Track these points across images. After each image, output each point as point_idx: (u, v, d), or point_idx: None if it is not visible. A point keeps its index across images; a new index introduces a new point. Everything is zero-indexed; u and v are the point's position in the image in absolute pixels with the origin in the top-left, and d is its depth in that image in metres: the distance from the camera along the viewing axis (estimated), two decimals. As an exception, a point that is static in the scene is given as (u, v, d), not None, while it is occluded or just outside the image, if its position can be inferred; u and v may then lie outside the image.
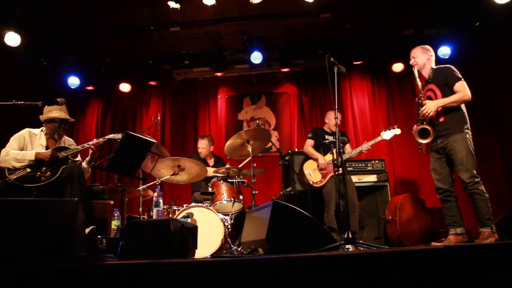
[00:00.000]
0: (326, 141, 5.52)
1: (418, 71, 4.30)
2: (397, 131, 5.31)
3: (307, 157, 5.67)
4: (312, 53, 7.28)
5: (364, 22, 6.52)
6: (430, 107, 3.99)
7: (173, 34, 6.56)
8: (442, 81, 4.06)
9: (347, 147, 5.70)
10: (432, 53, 4.31)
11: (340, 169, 3.71)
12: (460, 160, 3.84)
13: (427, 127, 4.05)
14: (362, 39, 7.00)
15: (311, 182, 5.49)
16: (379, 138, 5.36)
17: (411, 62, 4.35)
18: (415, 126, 4.23)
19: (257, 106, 7.83)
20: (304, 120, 7.69)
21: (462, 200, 4.06)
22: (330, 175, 5.36)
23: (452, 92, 3.98)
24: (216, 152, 6.33)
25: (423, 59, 4.27)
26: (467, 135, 3.93)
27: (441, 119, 4.04)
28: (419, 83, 4.19)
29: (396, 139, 7.07)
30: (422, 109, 4.04)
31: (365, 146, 5.37)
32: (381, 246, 4.82)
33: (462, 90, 3.93)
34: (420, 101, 4.09)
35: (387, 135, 5.31)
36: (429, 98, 4.13)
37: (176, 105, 8.02)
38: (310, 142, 5.68)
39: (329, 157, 5.31)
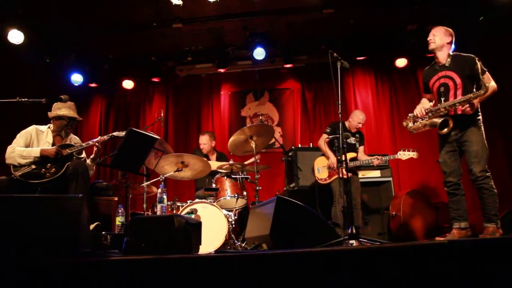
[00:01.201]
0: (330, 136, 5.47)
1: (433, 50, 4.08)
2: (414, 155, 5.17)
3: (321, 153, 5.65)
4: (315, 49, 7.28)
5: (367, 17, 6.50)
6: (474, 105, 3.77)
7: (175, 30, 6.56)
8: (467, 72, 3.85)
9: (361, 149, 5.64)
10: (453, 39, 4.10)
11: (343, 170, 3.69)
12: (476, 152, 3.75)
13: (450, 120, 3.87)
14: (365, 35, 6.98)
15: (316, 178, 5.51)
16: (395, 156, 5.25)
17: (429, 38, 4.12)
18: (422, 108, 4.04)
19: (260, 102, 7.83)
20: (307, 116, 7.68)
21: (468, 195, 4.03)
22: (335, 177, 5.36)
23: (473, 84, 3.83)
24: (219, 148, 6.33)
25: (443, 40, 4.04)
26: (482, 129, 3.85)
27: (458, 112, 3.87)
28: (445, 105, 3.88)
29: (399, 133, 7.09)
30: (466, 106, 3.78)
31: (378, 160, 5.31)
32: (385, 241, 4.83)
33: (491, 81, 3.80)
34: (471, 103, 3.75)
35: (404, 156, 5.19)
36: (445, 84, 3.96)
37: (179, 101, 8.03)
38: (324, 137, 5.55)
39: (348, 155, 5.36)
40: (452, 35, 4.09)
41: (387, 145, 7.03)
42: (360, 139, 5.69)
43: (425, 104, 4.15)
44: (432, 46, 4.08)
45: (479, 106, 3.89)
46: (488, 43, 6.43)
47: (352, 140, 5.56)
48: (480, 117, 3.90)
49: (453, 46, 4.11)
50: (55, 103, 4.20)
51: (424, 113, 4.04)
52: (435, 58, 4.14)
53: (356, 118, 5.57)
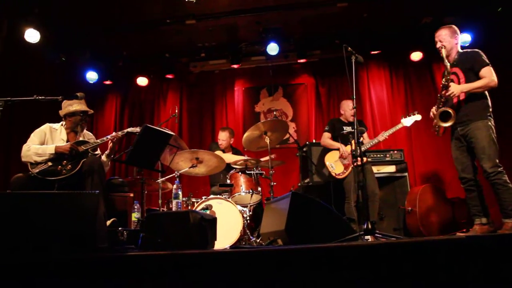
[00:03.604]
0: (344, 131, 5.45)
1: (445, 56, 4.11)
2: (418, 117, 5.10)
3: (327, 149, 5.61)
4: (328, 43, 7.21)
5: (381, 10, 6.41)
6: (455, 89, 3.86)
7: (189, 27, 6.56)
8: (468, 66, 3.91)
9: (365, 136, 5.62)
10: (460, 35, 4.15)
11: (359, 159, 3.67)
12: (482, 149, 3.74)
13: (449, 109, 3.93)
14: (379, 28, 6.90)
15: (333, 174, 5.38)
16: (399, 126, 5.21)
17: (437, 46, 4.15)
18: (433, 108, 4.16)
19: (274, 98, 7.81)
20: (321, 111, 7.64)
21: (487, 190, 3.97)
22: (352, 167, 5.31)
23: (477, 78, 3.86)
24: (233, 144, 6.34)
25: (452, 43, 4.09)
26: (489, 123, 3.82)
27: (462, 105, 3.93)
28: (448, 64, 3.97)
29: (415, 128, 7.00)
30: (445, 90, 3.91)
31: (384, 136, 5.26)
32: (401, 236, 4.78)
33: (489, 75, 3.80)
34: (446, 83, 3.92)
35: (407, 121, 5.13)
36: (451, 81, 4.00)
37: (193, 98, 8.06)
38: (327, 135, 5.59)
39: (349, 147, 5.26)
40: (457, 33, 4.13)
41: (403, 140, 6.96)
42: (361, 125, 5.58)
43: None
44: (444, 53, 4.09)
45: (488, 99, 3.91)
46: (507, 34, 6.29)
47: (349, 128, 5.48)
48: (488, 110, 3.88)
49: (460, 42, 4.15)
50: (65, 101, 4.23)
51: (435, 112, 4.12)
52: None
53: (346, 108, 5.57)
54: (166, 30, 6.71)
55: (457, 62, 4.04)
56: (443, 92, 3.96)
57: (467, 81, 3.90)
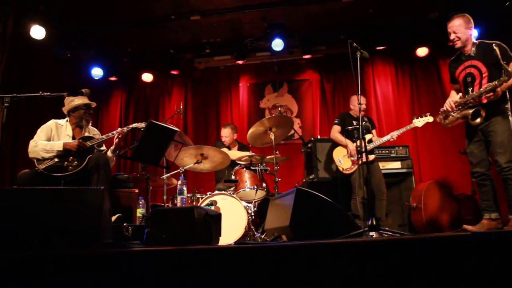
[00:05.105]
0: (349, 128, 5.45)
1: (459, 48, 3.97)
2: (429, 118, 5.08)
3: (335, 144, 5.60)
4: (334, 39, 7.19)
5: (387, 6, 6.37)
6: (497, 92, 3.65)
7: (194, 23, 6.56)
8: (492, 61, 3.70)
9: (374, 133, 5.60)
10: (473, 25, 3.97)
11: (364, 155, 3.66)
12: (500, 143, 3.67)
13: (480, 109, 3.76)
14: (385, 24, 6.86)
15: (341, 169, 5.40)
16: (410, 126, 5.22)
17: (451, 38, 3.98)
18: (442, 110, 4.08)
19: (279, 94, 7.80)
20: (326, 106, 7.62)
21: (497, 185, 3.92)
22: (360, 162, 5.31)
23: (500, 72, 3.63)
24: (238, 139, 6.34)
25: (467, 34, 3.92)
26: (510, 118, 3.74)
27: (484, 101, 3.75)
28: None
29: (420, 125, 6.96)
30: (490, 94, 3.67)
31: (396, 134, 5.25)
32: (406, 232, 4.77)
33: None
34: (489, 94, 3.69)
35: (419, 122, 5.12)
36: (471, 74, 3.87)
37: (198, 94, 8.06)
38: (337, 128, 5.59)
39: (356, 144, 5.27)
40: (471, 22, 3.96)
41: (408, 136, 6.92)
42: (370, 122, 5.66)
43: (453, 97, 4.09)
44: (458, 45, 3.96)
45: (507, 93, 3.79)
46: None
47: (363, 123, 5.49)
48: (508, 105, 3.79)
49: (474, 31, 3.97)
50: (67, 97, 4.24)
51: (454, 106, 3.97)
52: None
53: (356, 103, 5.50)
54: (171, 26, 6.72)
55: (475, 54, 3.87)
56: (488, 95, 3.68)
57: (490, 75, 3.74)
